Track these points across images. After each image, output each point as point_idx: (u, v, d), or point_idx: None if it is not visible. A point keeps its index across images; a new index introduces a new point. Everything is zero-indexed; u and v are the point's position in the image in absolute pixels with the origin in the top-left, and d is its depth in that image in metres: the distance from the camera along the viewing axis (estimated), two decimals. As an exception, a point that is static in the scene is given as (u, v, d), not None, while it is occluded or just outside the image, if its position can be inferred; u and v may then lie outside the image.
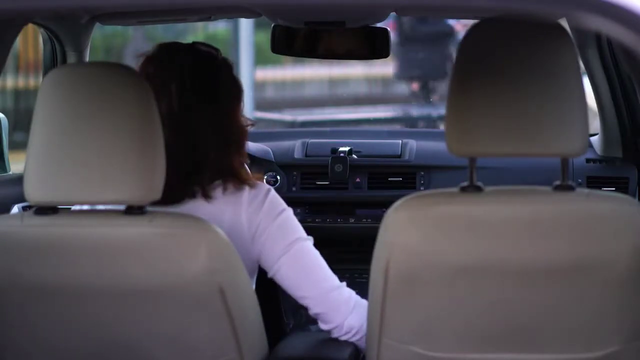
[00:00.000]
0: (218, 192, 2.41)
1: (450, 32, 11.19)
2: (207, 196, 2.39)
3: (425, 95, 11.40)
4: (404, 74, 11.55)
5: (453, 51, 11.03)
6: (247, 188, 2.42)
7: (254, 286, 2.48)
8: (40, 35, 3.39)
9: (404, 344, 2.11)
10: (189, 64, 2.43)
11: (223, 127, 2.44)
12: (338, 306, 2.42)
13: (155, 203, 2.21)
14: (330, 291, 2.43)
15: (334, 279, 2.45)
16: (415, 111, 11.26)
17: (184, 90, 2.40)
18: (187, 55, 2.44)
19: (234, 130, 2.46)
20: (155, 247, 2.03)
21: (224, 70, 2.48)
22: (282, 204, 2.45)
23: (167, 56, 2.44)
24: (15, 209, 3.03)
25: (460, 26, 10.97)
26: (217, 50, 2.51)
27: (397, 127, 10.37)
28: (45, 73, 3.43)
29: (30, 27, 3.35)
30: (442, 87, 11.18)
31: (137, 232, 2.04)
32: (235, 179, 2.43)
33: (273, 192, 2.45)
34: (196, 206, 2.38)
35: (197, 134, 2.40)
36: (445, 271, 2.04)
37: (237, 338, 2.13)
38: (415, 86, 11.50)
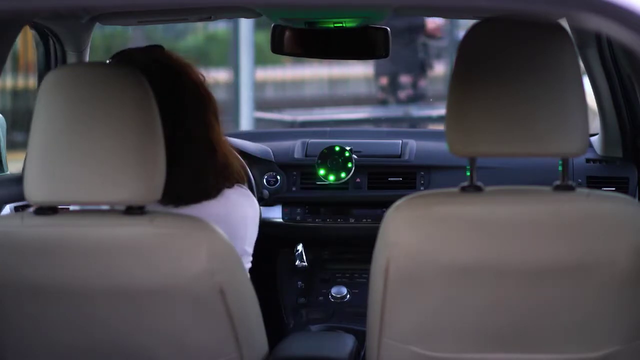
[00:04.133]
0: (227, 190, 2.50)
1: (422, 28, 11.16)
2: (218, 193, 2.48)
3: (393, 89, 11.37)
4: (378, 71, 11.54)
5: (424, 47, 11.04)
6: (245, 187, 2.57)
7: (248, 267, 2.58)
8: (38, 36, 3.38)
9: (404, 344, 2.11)
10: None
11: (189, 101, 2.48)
12: None
13: (170, 204, 2.32)
14: None
15: None
16: (415, 111, 11.25)
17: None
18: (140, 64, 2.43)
19: (201, 100, 2.49)
20: (156, 247, 2.03)
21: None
22: None
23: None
24: (7, 209, 3.01)
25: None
26: (160, 47, 2.53)
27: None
28: (40, 75, 3.42)
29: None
30: (412, 82, 11.20)
31: (138, 232, 2.04)
32: (239, 176, 2.54)
33: None
34: (210, 204, 2.46)
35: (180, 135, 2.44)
36: (445, 271, 2.04)
37: (237, 338, 2.13)
38: (383, 81, 11.48)
